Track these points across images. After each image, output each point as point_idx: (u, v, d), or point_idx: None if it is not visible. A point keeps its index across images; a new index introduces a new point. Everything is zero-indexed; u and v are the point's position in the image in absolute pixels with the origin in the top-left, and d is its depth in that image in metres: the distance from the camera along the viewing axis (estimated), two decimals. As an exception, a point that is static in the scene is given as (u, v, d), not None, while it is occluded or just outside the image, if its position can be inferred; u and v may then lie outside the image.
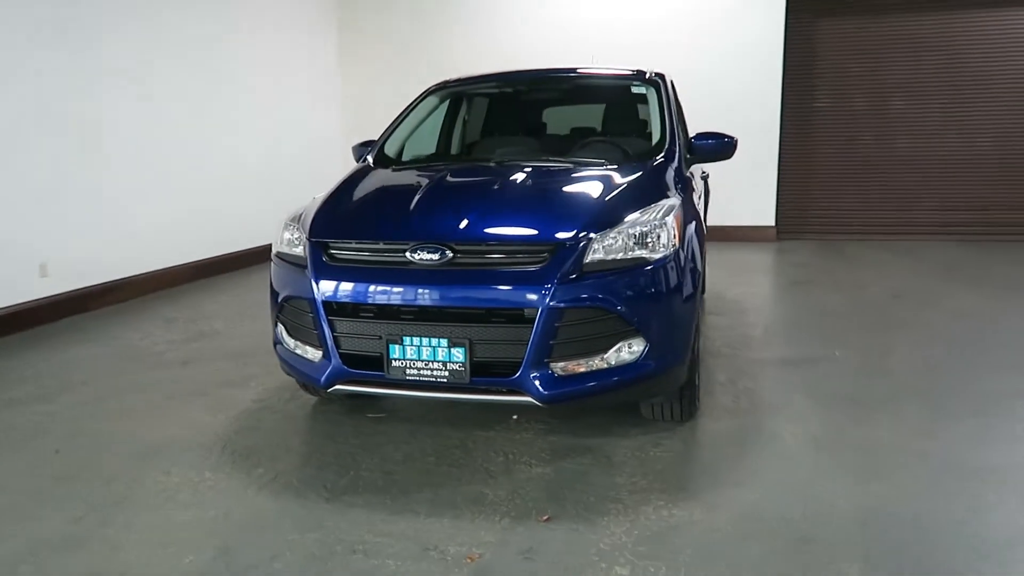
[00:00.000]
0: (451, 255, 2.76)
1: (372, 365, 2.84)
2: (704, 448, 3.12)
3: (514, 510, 2.63)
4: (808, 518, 2.53)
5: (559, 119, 4.62)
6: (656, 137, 3.79)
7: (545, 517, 2.57)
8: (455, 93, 4.52)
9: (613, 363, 2.78)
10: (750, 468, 2.92)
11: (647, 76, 4.18)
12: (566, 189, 3.23)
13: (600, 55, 8.03)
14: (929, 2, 8.26)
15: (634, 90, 4.20)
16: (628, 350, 2.79)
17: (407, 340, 2.74)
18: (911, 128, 8.56)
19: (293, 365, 3.09)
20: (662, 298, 2.83)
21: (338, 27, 9.57)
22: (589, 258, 2.73)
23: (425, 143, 4.36)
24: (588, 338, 2.73)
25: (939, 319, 5.19)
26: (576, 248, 2.73)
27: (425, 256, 2.77)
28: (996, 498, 2.65)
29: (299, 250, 3.07)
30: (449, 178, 3.35)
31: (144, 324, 5.42)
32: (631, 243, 2.81)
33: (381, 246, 2.89)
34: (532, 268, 2.70)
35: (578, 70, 4.37)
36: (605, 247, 2.77)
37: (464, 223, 2.84)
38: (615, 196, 3.03)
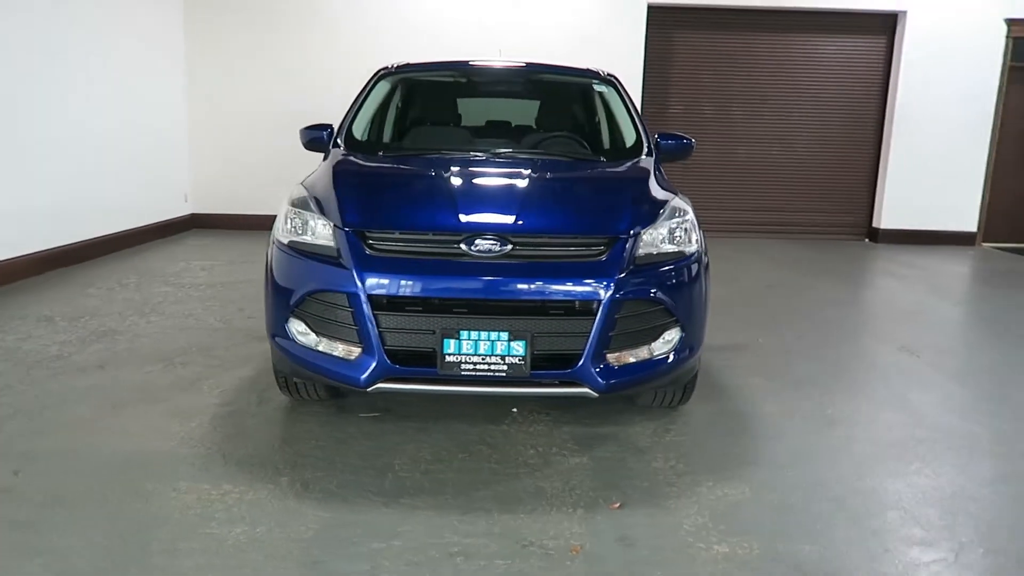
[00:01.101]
0: (510, 247, 2.71)
1: (420, 361, 2.72)
2: (709, 430, 3.31)
3: (580, 500, 2.66)
4: (845, 488, 2.80)
5: (521, 112, 4.63)
6: (630, 135, 3.94)
7: (616, 504, 2.63)
8: (411, 80, 4.38)
9: (656, 353, 2.89)
10: (762, 447, 3.16)
11: (603, 75, 4.33)
12: (597, 183, 3.28)
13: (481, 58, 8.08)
14: (763, 23, 9.16)
15: (596, 87, 4.32)
16: (667, 340, 2.91)
17: (464, 334, 2.66)
18: (748, 136, 9.46)
19: (313, 363, 2.87)
20: (694, 290, 2.98)
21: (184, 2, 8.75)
22: (639, 251, 2.82)
23: (390, 129, 4.19)
24: (640, 329, 2.82)
25: (815, 306, 5.85)
26: (629, 241, 2.80)
27: (483, 247, 2.71)
28: (991, 461, 3.09)
29: (320, 240, 2.86)
30: (469, 168, 3.27)
31: (13, 324, 4.69)
32: (667, 238, 2.93)
33: (431, 237, 2.77)
34: (593, 260, 2.74)
35: (538, 64, 4.41)
36: (648, 241, 2.87)
37: (519, 214, 2.81)
38: (643, 192, 3.14)
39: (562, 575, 2.22)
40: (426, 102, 4.51)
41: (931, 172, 9.23)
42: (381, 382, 2.74)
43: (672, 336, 2.92)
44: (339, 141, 3.72)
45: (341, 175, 3.19)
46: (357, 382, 2.75)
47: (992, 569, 2.32)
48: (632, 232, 2.82)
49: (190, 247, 7.83)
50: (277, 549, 2.31)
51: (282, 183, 8.91)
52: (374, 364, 2.71)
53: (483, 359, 2.68)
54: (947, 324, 5.66)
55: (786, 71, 9.30)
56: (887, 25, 9.21)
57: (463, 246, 2.72)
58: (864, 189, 9.59)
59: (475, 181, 3.13)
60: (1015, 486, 2.87)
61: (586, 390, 2.76)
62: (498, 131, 4.29)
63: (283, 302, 2.92)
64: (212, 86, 8.85)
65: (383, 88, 4.22)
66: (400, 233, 2.80)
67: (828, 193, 9.59)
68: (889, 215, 9.39)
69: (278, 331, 2.97)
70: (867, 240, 9.63)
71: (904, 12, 8.98)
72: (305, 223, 2.95)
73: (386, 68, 4.33)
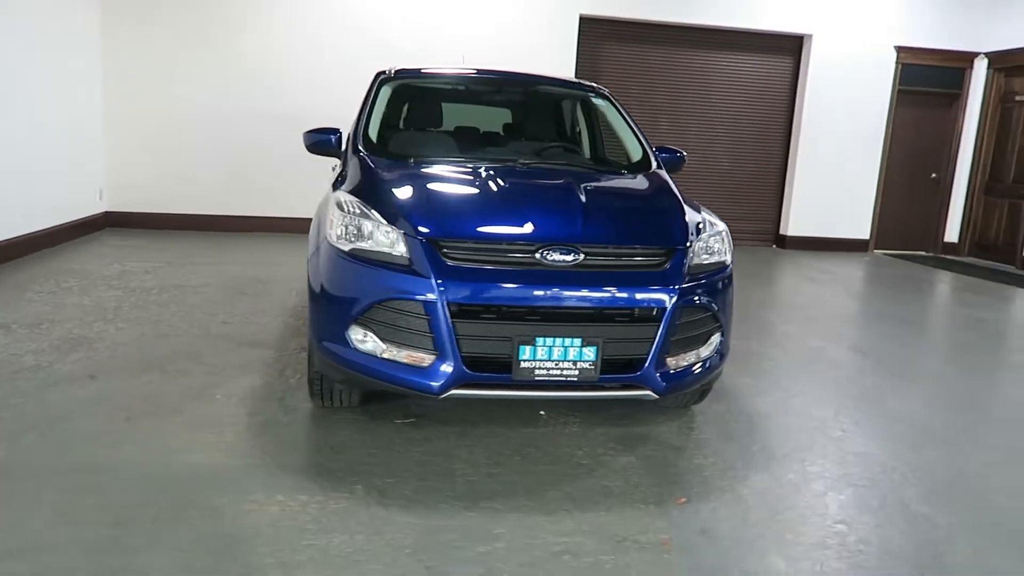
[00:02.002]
0: (581, 256, 2.83)
1: (495, 367, 2.79)
2: (728, 429, 3.54)
3: (648, 496, 2.81)
4: (867, 478, 3.09)
5: (526, 122, 4.70)
6: (635, 148, 4.12)
7: (682, 500, 2.80)
8: (413, 86, 4.38)
9: (703, 356, 3.09)
10: (779, 443, 3.41)
11: (596, 88, 4.50)
12: (641, 195, 3.44)
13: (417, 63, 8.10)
14: (685, 39, 9.65)
15: (593, 100, 4.47)
16: (711, 344, 3.12)
17: (539, 341, 2.75)
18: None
19: (377, 370, 2.86)
20: (730, 297, 3.21)
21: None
22: (693, 261, 3.00)
23: (403, 135, 4.18)
24: (693, 335, 3.01)
25: (759, 310, 6.28)
26: (685, 252, 2.98)
27: (557, 257, 2.80)
28: (973, 445, 3.49)
29: (385, 248, 2.86)
30: (516, 178, 3.34)
31: (-38, 331, 4.33)
32: (707, 248, 3.14)
33: (506, 246, 2.84)
34: (658, 270, 2.90)
35: (536, 75, 4.52)
36: (697, 251, 3.06)
37: (586, 224, 2.93)
38: (682, 204, 3.32)
39: (666, 568, 2.36)
40: (432, 109, 4.51)
41: (831, 184, 10.03)
42: (454, 388, 2.79)
43: (715, 340, 3.13)
44: (360, 147, 3.68)
45: (397, 183, 3.18)
46: (430, 389, 2.78)
47: None
48: (688, 243, 3.01)
49: (115, 248, 7.38)
50: (385, 557, 2.32)
51: (207, 181, 8.62)
52: (451, 371, 2.75)
53: (555, 364, 2.78)
54: (874, 324, 6.22)
55: (705, 86, 9.84)
56: (794, 47, 9.92)
57: (538, 256, 2.81)
58: (773, 198, 10.29)
59: (534, 192, 3.23)
60: (1008, 470, 3.26)
61: (647, 392, 2.92)
62: (515, 140, 4.36)
63: (342, 309, 2.90)
64: (129, 78, 8.36)
65: (386, 93, 4.20)
66: (474, 242, 2.85)
67: (741, 201, 10.21)
68: (795, 223, 10.12)
69: (333, 338, 2.94)
70: (774, 246, 10.33)
71: (810, 35, 9.71)
72: (360, 229, 2.93)
73: (384, 73, 4.31)
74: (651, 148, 4.06)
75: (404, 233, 2.85)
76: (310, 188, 8.81)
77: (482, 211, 3.04)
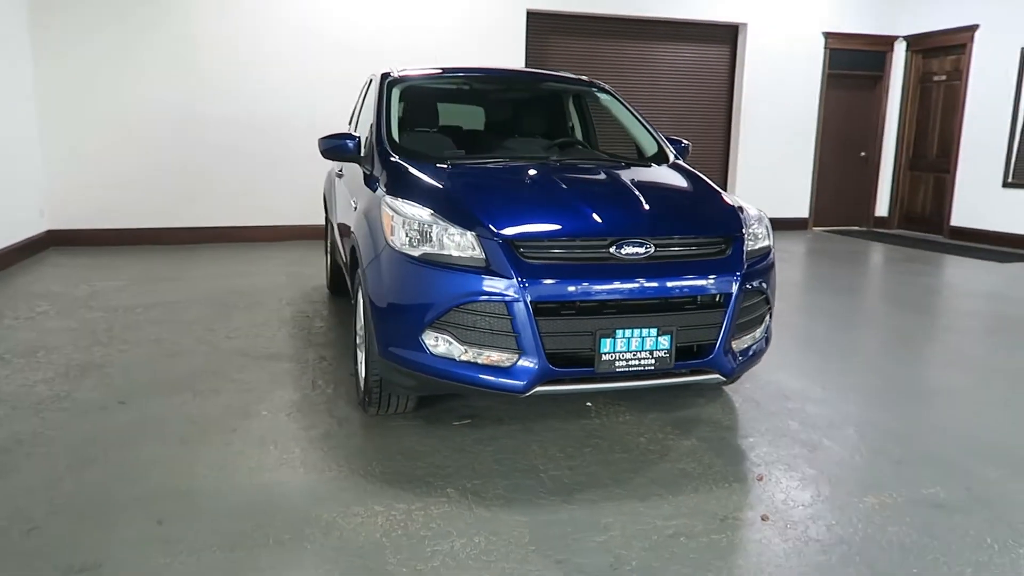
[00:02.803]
0: (653, 249, 2.91)
1: (575, 362, 2.84)
2: (767, 406, 3.68)
3: (728, 476, 2.93)
4: (914, 440, 3.30)
5: (540, 118, 4.72)
6: (648, 140, 4.22)
7: (759, 477, 2.93)
8: (420, 87, 4.35)
9: (756, 338, 3.23)
10: (819, 416, 3.58)
11: (597, 83, 4.58)
12: (687, 187, 3.54)
13: (378, 62, 8.02)
14: (629, 31, 9.86)
15: (598, 95, 4.54)
16: (763, 325, 3.27)
17: (619, 333, 2.82)
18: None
19: (457, 373, 2.86)
20: (775, 279, 3.35)
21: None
22: (749, 248, 3.13)
23: (423, 136, 4.15)
24: (752, 318, 3.15)
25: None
26: (742, 239, 3.11)
27: (630, 251, 2.88)
28: (961, 407, 3.76)
29: (456, 250, 2.86)
30: (568, 175, 3.39)
31: (-47, 365, 4.07)
32: (754, 234, 3.27)
33: (581, 243, 2.89)
34: (722, 258, 3.01)
35: (539, 72, 4.56)
36: (749, 237, 3.19)
37: (652, 218, 3.02)
38: (722, 194, 3.45)
39: (778, 540, 2.48)
40: (443, 109, 4.50)
41: (771, 166, 10.46)
42: (539, 386, 2.82)
43: (767, 321, 3.28)
44: (389, 150, 3.65)
45: (451, 185, 3.18)
46: (515, 388, 2.81)
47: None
48: (744, 231, 3.14)
49: (69, 268, 7.01)
50: (513, 555, 2.35)
51: (154, 194, 8.27)
52: (535, 368, 2.79)
53: (634, 355, 2.86)
54: (843, 297, 6.55)
55: (649, 76, 10.08)
56: (731, 36, 10.28)
57: (612, 250, 2.88)
58: (718, 181, 10.61)
59: (596, 188, 3.29)
60: None
61: (714, 376, 3.03)
62: (533, 138, 4.37)
63: (416, 315, 2.89)
64: (65, 89, 7.92)
65: (396, 95, 4.16)
66: (551, 240, 2.89)
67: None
68: (740, 205, 10.50)
69: (404, 344, 2.93)
70: (721, 229, 10.69)
71: (744, 24, 10.09)
72: (425, 233, 2.92)
73: (388, 75, 4.28)
74: (664, 140, 4.18)
75: (477, 235, 2.86)
76: (263, 196, 8.60)
77: (555, 209, 3.07)
